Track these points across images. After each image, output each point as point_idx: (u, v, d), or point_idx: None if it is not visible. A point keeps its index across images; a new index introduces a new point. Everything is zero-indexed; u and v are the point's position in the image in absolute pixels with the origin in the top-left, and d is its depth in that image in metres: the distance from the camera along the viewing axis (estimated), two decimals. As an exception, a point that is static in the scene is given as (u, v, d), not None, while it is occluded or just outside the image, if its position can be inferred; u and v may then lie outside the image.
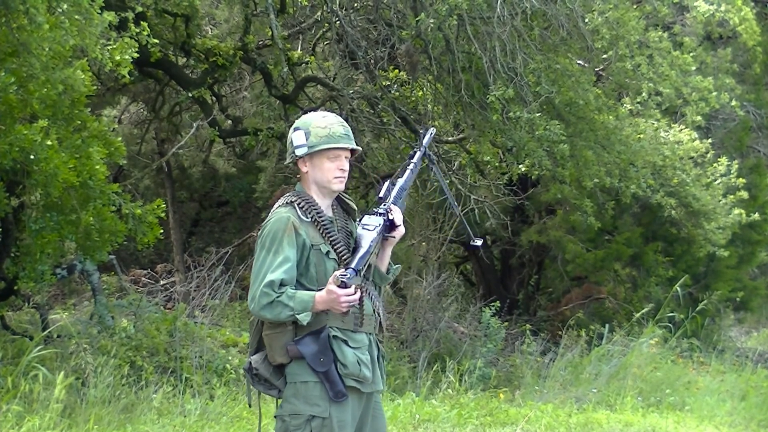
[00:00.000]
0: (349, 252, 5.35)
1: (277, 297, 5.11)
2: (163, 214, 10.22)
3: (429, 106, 14.73)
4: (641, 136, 14.90)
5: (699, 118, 15.16)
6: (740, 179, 17.74)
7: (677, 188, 16.17)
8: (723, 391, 14.33)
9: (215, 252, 14.95)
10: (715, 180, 17.61)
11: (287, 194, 5.45)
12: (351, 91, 13.86)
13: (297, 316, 5.10)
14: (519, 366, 13.87)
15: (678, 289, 15.69)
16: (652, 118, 15.44)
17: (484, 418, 11.29)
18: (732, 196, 17.40)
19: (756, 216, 17.92)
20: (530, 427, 11.20)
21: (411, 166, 5.79)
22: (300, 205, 5.34)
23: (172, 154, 16.14)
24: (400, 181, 5.76)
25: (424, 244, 16.02)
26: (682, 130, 16.20)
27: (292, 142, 5.40)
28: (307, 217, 5.33)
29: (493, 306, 14.65)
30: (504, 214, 15.94)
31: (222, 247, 15.96)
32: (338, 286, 5.07)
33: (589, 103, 13.25)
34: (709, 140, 17.17)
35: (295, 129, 5.41)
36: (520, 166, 13.58)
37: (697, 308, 16.00)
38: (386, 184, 5.70)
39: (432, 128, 6.07)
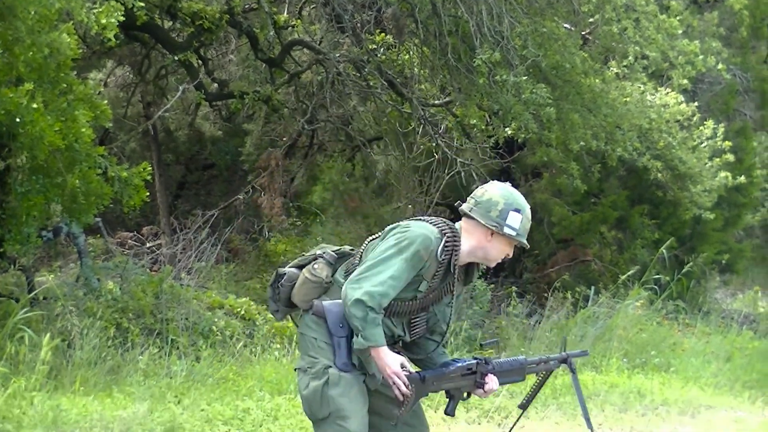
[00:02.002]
0: (430, 306, 5.42)
1: (372, 310, 5.09)
2: (149, 177, 10.22)
3: (415, 69, 14.71)
4: (627, 99, 14.91)
5: (685, 81, 15.20)
6: (726, 142, 17.77)
7: (663, 151, 16.21)
8: (708, 352, 14.40)
9: (201, 215, 14.97)
10: (701, 143, 17.64)
11: (447, 224, 5.43)
12: (337, 55, 13.85)
13: (360, 336, 5.10)
14: (505, 328, 13.90)
15: (664, 251, 15.72)
16: (639, 81, 15.44)
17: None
18: (718, 159, 17.45)
19: (742, 179, 17.98)
20: (516, 389, 11.24)
21: (546, 360, 5.86)
22: (446, 244, 5.33)
23: (158, 117, 16.09)
24: (522, 357, 5.79)
25: (410, 206, 16.01)
26: (668, 93, 16.22)
27: (505, 216, 5.43)
28: (442, 257, 5.33)
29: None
30: (490, 177, 15.89)
31: (208, 209, 15.98)
32: (403, 368, 5.15)
33: (575, 67, 13.24)
34: (696, 103, 17.19)
35: (516, 209, 5.46)
36: (507, 129, 13.58)
37: (683, 270, 16.05)
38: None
39: (586, 351, 6.28)
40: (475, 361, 5.51)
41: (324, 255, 5.48)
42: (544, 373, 5.90)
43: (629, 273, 15.43)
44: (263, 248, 15.96)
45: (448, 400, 5.53)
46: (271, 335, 11.77)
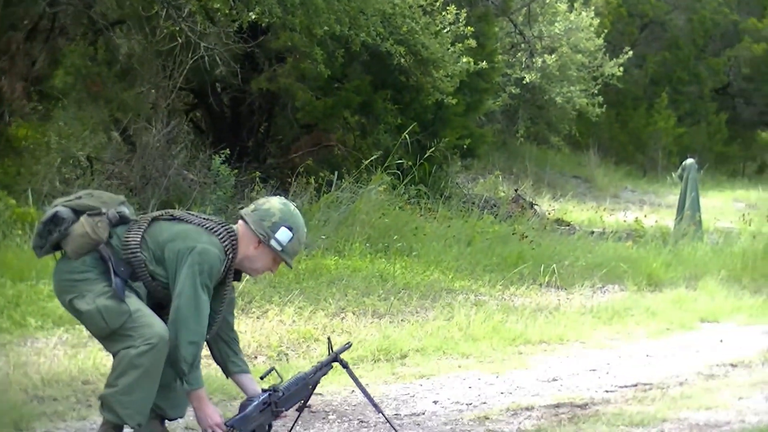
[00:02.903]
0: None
1: (199, 352, 5.47)
2: None
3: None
4: (371, -17, 14.82)
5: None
6: (468, 27, 17.93)
7: (406, 36, 16.22)
8: (449, 236, 14.60)
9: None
10: (444, 28, 17.76)
11: (228, 233, 5.64)
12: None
13: (185, 381, 5.46)
14: (248, 213, 13.75)
15: (406, 136, 15.79)
16: (382, -35, 15.35)
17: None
18: (460, 45, 17.60)
19: (484, 64, 18.21)
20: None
21: (320, 366, 6.09)
22: (229, 260, 5.62)
23: None
24: (301, 373, 6.06)
25: (153, 91, 15.64)
26: (411, -23, 16.20)
27: (276, 228, 5.66)
28: (223, 271, 5.62)
29: (222, 153, 14.44)
30: (234, 62, 15.68)
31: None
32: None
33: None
34: (439, -12, 17.26)
35: (289, 226, 5.69)
36: (251, 13, 13.32)
37: (425, 155, 16.20)
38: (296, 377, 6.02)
39: (349, 343, 6.52)
40: (267, 395, 5.81)
41: (108, 215, 5.52)
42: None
43: (372, 158, 15.46)
44: (4, 133, 15.32)
45: None
46: (12, 221, 11.39)
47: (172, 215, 5.68)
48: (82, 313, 5.44)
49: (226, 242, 5.59)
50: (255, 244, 5.67)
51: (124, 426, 5.49)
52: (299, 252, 5.93)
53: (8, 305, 8.83)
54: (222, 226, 5.65)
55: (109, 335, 5.41)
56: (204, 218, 5.71)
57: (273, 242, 5.65)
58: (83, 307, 5.41)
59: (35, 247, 5.60)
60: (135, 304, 5.42)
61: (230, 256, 5.60)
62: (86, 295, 5.41)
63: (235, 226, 5.73)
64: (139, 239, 5.52)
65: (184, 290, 5.41)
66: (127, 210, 5.67)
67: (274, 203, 5.77)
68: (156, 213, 5.73)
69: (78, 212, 5.52)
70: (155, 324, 5.38)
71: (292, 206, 5.81)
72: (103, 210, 5.55)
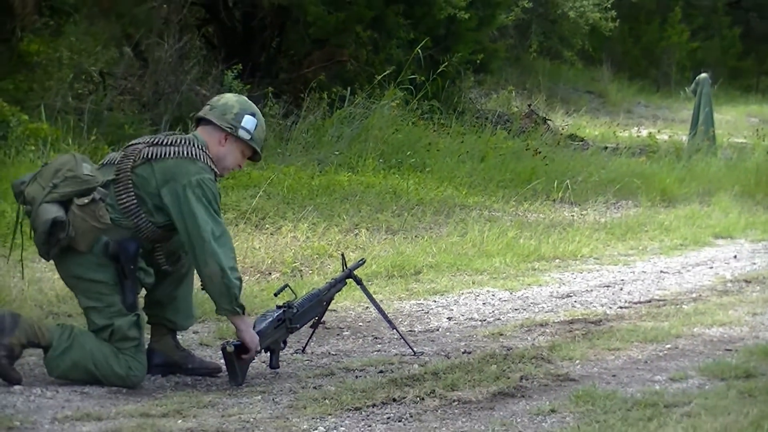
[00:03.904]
0: None
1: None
2: None
3: None
4: None
5: None
6: (481, -60, 17.75)
7: (419, -51, 16.07)
8: (463, 152, 14.56)
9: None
10: (457, -59, 17.57)
11: (202, 149, 5.63)
12: None
13: (235, 305, 5.56)
14: (261, 129, 13.72)
15: (419, 51, 15.70)
16: None
17: (227, 180, 11.16)
18: (473, -42, 17.44)
19: (497, -22, 18.05)
20: (273, 190, 11.17)
21: (334, 283, 6.32)
22: (211, 166, 5.64)
23: None
24: (315, 290, 6.25)
25: (165, 6, 15.53)
26: None
27: (240, 118, 5.70)
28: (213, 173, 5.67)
29: (235, 69, 14.38)
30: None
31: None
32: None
33: None
34: None
35: (251, 113, 5.75)
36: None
37: (438, 70, 16.09)
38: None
39: (363, 260, 6.78)
40: (281, 311, 5.93)
41: (102, 198, 5.46)
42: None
43: (385, 73, 15.37)
44: (16, 48, 15.25)
45: (269, 354, 5.93)
46: (25, 137, 11.39)
47: (145, 156, 5.59)
48: (92, 320, 5.57)
49: (205, 158, 5.60)
50: (222, 141, 5.68)
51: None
52: (264, 140, 5.96)
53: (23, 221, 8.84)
54: (191, 144, 5.60)
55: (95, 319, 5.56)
56: (170, 142, 5.62)
57: (241, 132, 5.69)
58: (99, 321, 5.50)
59: (42, 254, 5.53)
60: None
61: (214, 168, 5.64)
62: (103, 310, 5.47)
63: (194, 134, 5.72)
64: (135, 200, 5.54)
65: (206, 226, 5.45)
66: (90, 167, 5.58)
67: (230, 97, 5.85)
68: (121, 156, 5.67)
69: (65, 203, 5.44)
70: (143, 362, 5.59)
71: (245, 97, 5.90)
72: (83, 186, 5.45)
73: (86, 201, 5.41)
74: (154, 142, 5.62)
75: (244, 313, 5.64)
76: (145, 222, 5.52)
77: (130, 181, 5.53)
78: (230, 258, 5.51)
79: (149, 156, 5.56)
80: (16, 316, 5.31)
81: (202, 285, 5.65)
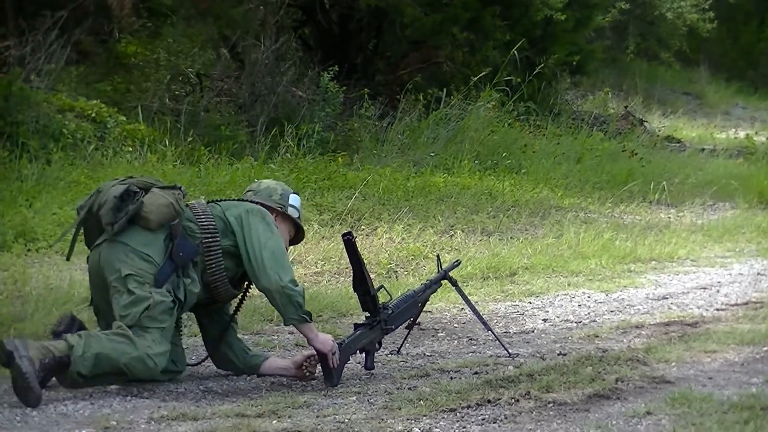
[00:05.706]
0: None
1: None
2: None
3: None
4: None
5: None
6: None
7: (516, -49, 16.04)
8: (559, 154, 14.52)
9: (50, 15, 14.37)
10: (552, -57, 17.49)
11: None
12: None
13: (302, 313, 5.64)
14: (357, 130, 13.80)
15: (515, 53, 15.67)
16: None
17: (323, 182, 11.27)
18: (570, -41, 17.36)
19: (593, -21, 17.95)
20: (369, 191, 11.23)
21: (429, 284, 6.33)
22: None
23: None
24: (410, 291, 6.30)
25: (262, 7, 15.67)
26: None
27: (286, 199, 5.97)
28: None
29: (331, 70, 14.46)
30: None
31: (56, 10, 15.35)
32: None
33: None
34: None
35: (295, 193, 6.08)
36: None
37: (534, 72, 16.03)
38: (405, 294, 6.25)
39: (458, 261, 6.88)
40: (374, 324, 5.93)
41: (183, 190, 5.75)
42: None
43: (481, 75, 15.36)
44: (114, 50, 15.51)
45: (364, 355, 5.99)
46: (122, 138, 11.66)
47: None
48: (130, 290, 5.47)
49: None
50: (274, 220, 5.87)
51: None
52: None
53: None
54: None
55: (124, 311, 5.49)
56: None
57: (291, 210, 5.95)
58: (138, 291, 5.44)
59: (107, 224, 5.51)
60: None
61: None
62: (144, 284, 5.48)
63: None
64: (214, 221, 5.72)
65: (267, 242, 5.64)
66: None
67: (267, 182, 6.18)
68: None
69: (143, 189, 5.61)
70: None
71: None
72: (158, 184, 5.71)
73: (166, 187, 5.68)
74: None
75: (311, 320, 5.73)
76: (217, 245, 5.70)
77: (204, 207, 5.81)
78: (290, 270, 5.68)
79: (247, 210, 5.83)
80: (23, 340, 5.27)
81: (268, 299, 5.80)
